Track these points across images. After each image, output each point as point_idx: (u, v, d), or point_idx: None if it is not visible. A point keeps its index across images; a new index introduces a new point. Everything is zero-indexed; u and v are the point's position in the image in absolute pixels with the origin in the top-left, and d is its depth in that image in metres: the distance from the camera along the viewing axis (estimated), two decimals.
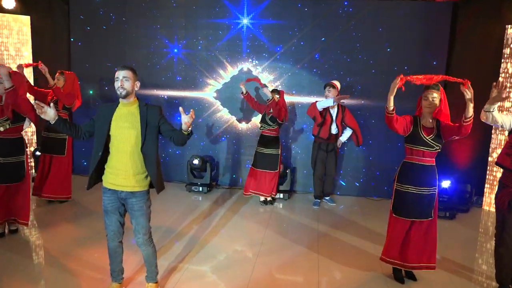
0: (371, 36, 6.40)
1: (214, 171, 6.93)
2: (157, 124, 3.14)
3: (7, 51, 6.72)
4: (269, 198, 6.07)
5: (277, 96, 5.80)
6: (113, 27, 6.91)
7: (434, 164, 3.64)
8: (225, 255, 4.32)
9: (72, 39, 7.05)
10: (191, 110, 3.01)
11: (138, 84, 3.17)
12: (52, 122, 3.08)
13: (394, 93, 3.41)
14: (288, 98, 6.53)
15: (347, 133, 6.13)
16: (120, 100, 3.14)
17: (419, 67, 6.12)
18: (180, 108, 3.05)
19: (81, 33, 7.02)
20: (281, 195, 6.37)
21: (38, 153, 6.50)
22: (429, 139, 3.54)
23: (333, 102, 5.68)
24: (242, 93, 6.03)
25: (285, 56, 6.62)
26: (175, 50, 6.80)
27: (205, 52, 6.77)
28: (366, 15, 6.37)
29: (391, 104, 3.47)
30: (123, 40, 6.91)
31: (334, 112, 5.99)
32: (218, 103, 6.87)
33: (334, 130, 5.99)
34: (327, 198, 6.34)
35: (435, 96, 3.50)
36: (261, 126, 5.97)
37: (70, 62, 7.08)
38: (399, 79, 3.34)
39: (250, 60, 6.70)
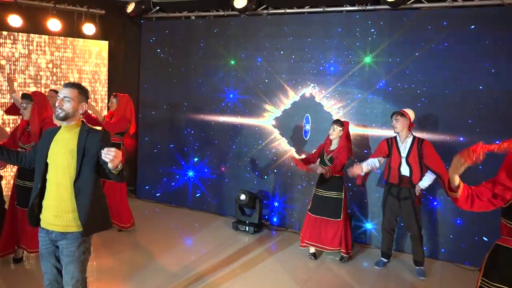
0: (468, 54, 4.89)
1: (268, 209, 6.10)
2: (95, 153, 2.58)
3: (86, 74, 7.04)
4: (345, 254, 4.89)
5: (340, 129, 4.73)
6: (179, 51, 6.72)
7: None
8: None
9: (142, 62, 7.08)
10: (113, 149, 2.29)
11: (84, 106, 2.69)
12: None
13: (460, 172, 2.21)
14: (356, 130, 5.41)
15: (429, 177, 4.48)
16: (61, 122, 2.68)
17: None
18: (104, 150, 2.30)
19: (151, 57, 6.99)
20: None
21: None
22: None
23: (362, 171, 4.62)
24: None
25: (353, 79, 5.51)
26: (233, 72, 6.28)
27: (264, 73, 6.06)
28: (462, 27, 4.90)
29: (456, 181, 2.24)
30: (187, 63, 6.65)
31: (404, 147, 4.57)
32: (276, 132, 6.05)
33: (404, 171, 4.55)
34: (417, 268, 4.67)
35: None
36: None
37: (139, 85, 7.11)
38: (472, 153, 2.11)
39: (312, 84, 5.76)
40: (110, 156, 2.25)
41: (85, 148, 2.59)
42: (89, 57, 7.04)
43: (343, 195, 4.80)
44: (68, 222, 2.61)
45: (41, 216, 2.69)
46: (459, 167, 2.15)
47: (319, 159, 4.93)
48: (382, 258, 4.88)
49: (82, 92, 2.67)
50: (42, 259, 2.71)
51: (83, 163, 2.58)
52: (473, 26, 4.85)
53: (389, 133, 5.29)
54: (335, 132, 4.72)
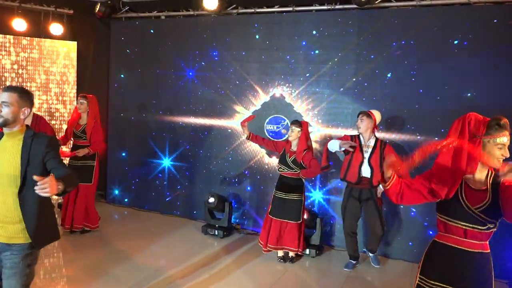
0: (435, 53, 4.85)
1: (239, 212, 5.97)
2: (41, 160, 2.41)
3: (53, 75, 6.84)
4: (291, 254, 4.85)
5: (298, 129, 4.59)
6: (149, 51, 6.57)
7: (488, 250, 2.20)
8: None
9: (111, 63, 6.91)
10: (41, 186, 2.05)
11: (26, 111, 2.48)
12: None
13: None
14: (326, 130, 5.33)
15: None
16: (4, 129, 2.49)
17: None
18: (34, 177, 2.08)
19: (121, 58, 6.82)
20: (308, 251, 5.06)
21: None
22: (476, 211, 2.14)
23: (340, 148, 4.43)
24: (247, 137, 4.94)
25: (323, 79, 5.42)
26: (203, 72, 6.16)
27: (234, 74, 5.95)
28: (429, 26, 4.87)
29: (389, 173, 2.24)
30: (157, 63, 6.50)
31: (367, 148, 4.53)
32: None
33: (365, 172, 4.48)
34: (371, 255, 4.85)
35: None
36: (280, 168, 4.76)
37: (108, 86, 6.94)
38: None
39: (282, 84, 5.66)
40: (44, 191, 2.04)
41: (29, 156, 2.41)
42: (56, 58, 6.85)
43: (303, 197, 4.71)
44: (13, 234, 2.44)
45: None
46: (394, 168, 2.16)
47: (280, 158, 4.81)
48: (351, 260, 4.79)
49: (23, 96, 2.46)
50: None
51: (27, 172, 2.39)
52: (440, 25, 4.81)
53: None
54: (294, 133, 4.60)
